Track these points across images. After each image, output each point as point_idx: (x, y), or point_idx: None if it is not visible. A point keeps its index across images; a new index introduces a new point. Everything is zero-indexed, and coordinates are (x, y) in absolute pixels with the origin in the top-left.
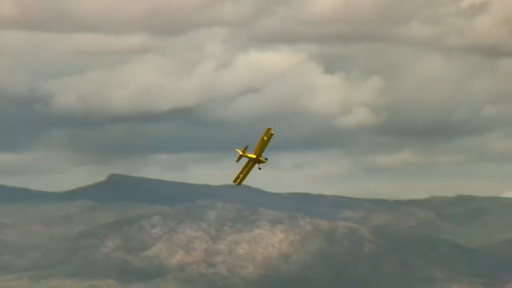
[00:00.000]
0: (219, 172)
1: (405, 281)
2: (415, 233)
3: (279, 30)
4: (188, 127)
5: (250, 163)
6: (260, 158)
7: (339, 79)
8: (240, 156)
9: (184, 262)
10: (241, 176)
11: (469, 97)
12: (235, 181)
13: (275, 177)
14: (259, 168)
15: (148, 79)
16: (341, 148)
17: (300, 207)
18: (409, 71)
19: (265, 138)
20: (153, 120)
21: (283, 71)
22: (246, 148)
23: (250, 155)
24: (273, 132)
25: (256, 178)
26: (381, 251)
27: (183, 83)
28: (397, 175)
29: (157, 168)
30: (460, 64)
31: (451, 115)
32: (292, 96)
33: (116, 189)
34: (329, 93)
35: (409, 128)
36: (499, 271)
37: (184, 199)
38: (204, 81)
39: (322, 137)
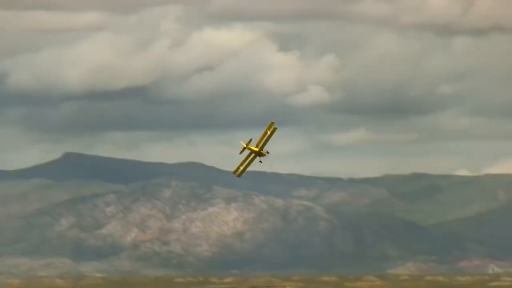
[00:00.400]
0: (173, 150)
1: (359, 259)
2: (369, 211)
3: (234, 8)
4: (143, 105)
5: (252, 156)
6: (262, 152)
7: (293, 57)
8: (244, 148)
9: (138, 240)
10: (241, 168)
11: (423, 76)
12: (235, 172)
13: (229, 155)
14: (260, 161)
15: (102, 57)
16: (295, 126)
17: (254, 186)
18: (363, 50)
19: (268, 132)
20: (108, 98)
21: (237, 49)
22: (250, 141)
23: (253, 148)
24: (276, 127)
25: (211, 157)
26: (335, 229)
27: (137, 61)
28: (352, 153)
29: (111, 147)
30: (415, 42)
31: (405, 93)
32: (247, 74)
33: (71, 168)
34: (283, 71)
35: (363, 107)
36: (452, 249)
37: (139, 177)
38: (158, 59)
39: (277, 115)
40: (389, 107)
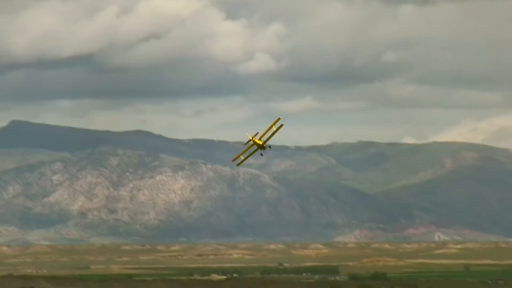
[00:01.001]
0: (120, 119)
1: (306, 227)
2: (316, 179)
3: None
4: (90, 73)
5: (255, 149)
6: (264, 146)
7: (240, 25)
8: (249, 141)
9: (85, 208)
10: (242, 158)
11: (370, 44)
12: (234, 160)
13: (176, 123)
14: (261, 154)
15: (49, 25)
16: (242, 94)
17: (201, 154)
18: (310, 18)
19: (275, 128)
20: (54, 66)
21: (184, 17)
22: (256, 134)
23: (257, 141)
24: (282, 124)
25: (157, 125)
26: (282, 197)
27: (84, 29)
28: (298, 121)
29: (58, 115)
30: (361, 10)
31: (352, 61)
32: (194, 42)
33: (17, 136)
34: (230, 40)
35: (310, 75)
36: (398, 216)
37: (86, 145)
38: (105, 27)
39: (224, 83)
40: (335, 75)
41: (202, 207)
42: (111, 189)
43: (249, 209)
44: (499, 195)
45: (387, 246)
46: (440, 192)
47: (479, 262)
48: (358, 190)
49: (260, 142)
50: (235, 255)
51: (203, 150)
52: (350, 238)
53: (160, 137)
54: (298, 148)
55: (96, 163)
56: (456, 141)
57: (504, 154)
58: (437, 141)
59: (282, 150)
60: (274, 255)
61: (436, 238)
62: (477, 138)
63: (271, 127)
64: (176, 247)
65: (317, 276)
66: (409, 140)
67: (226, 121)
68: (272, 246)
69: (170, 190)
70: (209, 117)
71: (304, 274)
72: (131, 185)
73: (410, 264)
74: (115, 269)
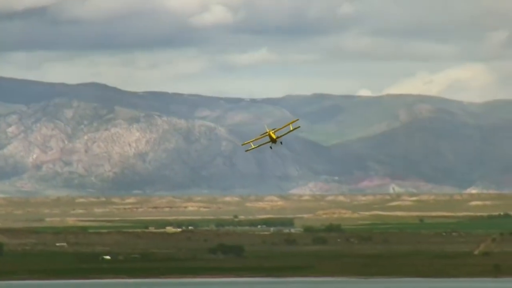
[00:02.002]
0: (75, 71)
1: (261, 179)
2: None
3: None
4: (44, 25)
5: (267, 140)
6: (276, 140)
7: None
8: (265, 133)
9: (40, 161)
10: (252, 145)
11: None
12: (244, 144)
13: (131, 75)
14: (270, 147)
15: None
16: (198, 46)
17: (156, 106)
18: None
19: (291, 128)
20: (8, 18)
21: None
22: (273, 129)
23: (272, 135)
24: (299, 125)
25: (112, 77)
26: (237, 150)
27: None
28: (254, 73)
29: (12, 67)
30: None
31: (307, 13)
32: None
33: None
34: None
35: (265, 27)
36: (353, 169)
37: (41, 98)
38: None
39: (179, 35)
40: (291, 28)
41: (157, 159)
42: (66, 142)
43: (204, 161)
44: (453, 147)
45: (341, 198)
46: (395, 144)
47: (433, 214)
48: (313, 142)
49: (274, 137)
50: (190, 208)
51: (158, 102)
52: (305, 190)
53: (115, 89)
54: (253, 101)
55: (51, 115)
56: (411, 94)
57: (459, 106)
58: (392, 93)
59: (237, 102)
60: (229, 207)
61: (391, 190)
62: (432, 90)
63: (288, 125)
64: (131, 200)
65: (272, 229)
66: (364, 92)
67: (181, 74)
68: (227, 199)
69: (125, 142)
70: (164, 69)
71: (259, 226)
72: (86, 137)
73: (364, 216)
74: (70, 221)
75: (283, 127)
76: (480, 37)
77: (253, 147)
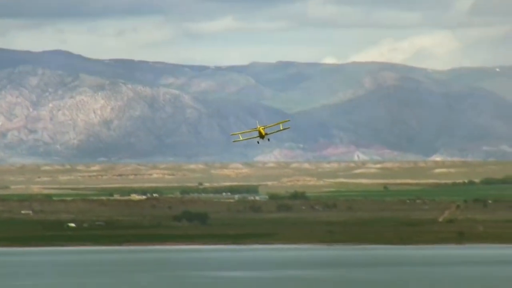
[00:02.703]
0: (40, 38)
1: (226, 147)
2: (236, 99)
3: None
4: None
5: (256, 135)
6: (264, 136)
7: None
8: (256, 128)
9: (5, 129)
10: (240, 137)
11: None
12: (233, 134)
13: (96, 43)
14: (258, 142)
15: None
16: (163, 14)
17: (121, 73)
18: None
19: (281, 127)
20: None
21: None
22: (264, 126)
23: (261, 131)
24: (289, 126)
25: (78, 45)
26: (202, 117)
27: None
28: (218, 41)
29: None
30: None
31: None
32: None
33: None
34: None
35: None
36: (318, 136)
37: (5, 65)
38: None
39: (145, 3)
40: None
41: (122, 127)
42: (30, 109)
43: (169, 129)
44: (418, 115)
45: (306, 165)
46: (360, 112)
47: (398, 181)
48: (277, 110)
49: (263, 133)
50: (155, 175)
51: (123, 70)
52: (269, 157)
53: (80, 57)
54: (218, 68)
55: (16, 82)
56: (376, 61)
57: (424, 74)
58: (357, 61)
59: (202, 70)
60: (194, 175)
61: (355, 158)
62: (397, 58)
63: (278, 123)
64: (96, 167)
65: (236, 196)
66: (329, 60)
67: (147, 41)
68: (192, 166)
69: (90, 110)
70: (130, 37)
71: (224, 194)
72: (51, 105)
73: (329, 184)
74: (35, 189)
75: (274, 125)
76: (445, 4)
77: (241, 139)
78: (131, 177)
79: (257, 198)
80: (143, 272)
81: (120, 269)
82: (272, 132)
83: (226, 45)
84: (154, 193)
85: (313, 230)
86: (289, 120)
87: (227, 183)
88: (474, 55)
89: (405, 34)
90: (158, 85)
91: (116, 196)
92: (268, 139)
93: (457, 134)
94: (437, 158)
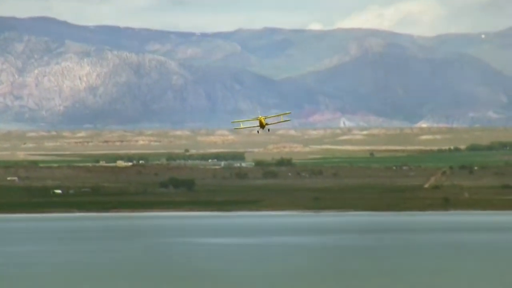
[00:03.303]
0: (25, 4)
1: (212, 113)
2: (222, 65)
3: None
4: None
5: (256, 125)
6: (264, 126)
7: None
8: (258, 118)
9: None
10: (241, 125)
11: None
12: (233, 122)
13: (82, 9)
14: (257, 132)
15: None
16: None
17: (107, 40)
18: None
19: (282, 119)
20: None
21: None
22: (266, 117)
23: (262, 121)
24: (290, 119)
25: (63, 11)
26: (188, 84)
27: None
28: (204, 8)
29: None
30: None
31: None
32: None
33: None
34: None
35: None
36: (304, 103)
37: None
38: None
39: None
40: None
41: (108, 93)
42: (16, 76)
43: (155, 95)
44: (404, 82)
45: (292, 132)
46: (346, 78)
47: (383, 148)
48: (263, 76)
49: (264, 123)
50: (141, 142)
51: (109, 36)
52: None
53: (65, 23)
54: (204, 35)
55: (1, 49)
56: (362, 28)
57: (409, 40)
58: (343, 27)
59: (188, 36)
60: (180, 141)
61: (341, 125)
62: (383, 24)
63: (280, 115)
64: (82, 134)
65: (223, 163)
66: (315, 26)
67: (133, 8)
68: (178, 133)
69: (75, 76)
70: (116, 4)
71: (210, 160)
72: (36, 71)
73: (315, 151)
74: (21, 155)
75: (275, 116)
76: None
77: (242, 127)
78: (117, 143)
79: (243, 165)
80: (129, 238)
81: (106, 236)
82: (272, 123)
83: (212, 12)
84: (140, 160)
85: (299, 196)
86: (290, 113)
87: (214, 150)
88: (460, 21)
89: (391, 0)
90: (144, 52)
91: (102, 163)
92: (268, 130)
93: (443, 100)
94: (423, 124)
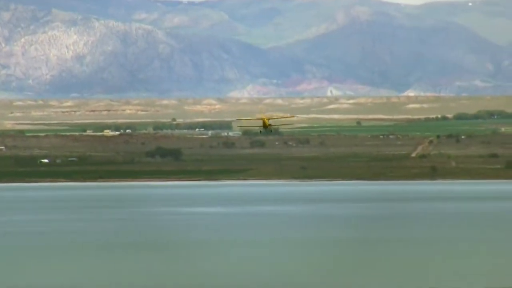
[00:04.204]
0: None
1: (199, 82)
2: (209, 34)
3: None
4: None
5: (259, 124)
6: (267, 127)
7: None
8: (262, 118)
9: None
10: (244, 122)
11: None
12: (238, 118)
13: None
14: (260, 132)
15: None
16: None
17: (94, 9)
18: None
19: (286, 120)
20: None
21: None
22: (269, 118)
23: (266, 121)
24: (293, 123)
25: None
26: (175, 53)
27: None
28: None
29: None
30: None
31: None
32: None
33: None
34: None
35: None
36: (291, 72)
37: None
38: None
39: None
40: None
41: (94, 62)
42: (3, 45)
43: (141, 64)
44: (391, 50)
45: (279, 101)
46: (333, 47)
47: (370, 117)
48: (250, 45)
49: (267, 124)
50: (128, 111)
51: (95, 5)
52: (243, 93)
53: None
54: (191, 3)
55: None
56: None
57: (396, 8)
58: None
59: (175, 5)
60: (167, 110)
61: (329, 93)
62: None
63: (284, 117)
64: (69, 103)
65: (210, 132)
66: None
67: None
68: (165, 102)
69: (62, 45)
70: None
71: (197, 129)
72: (23, 40)
73: (302, 119)
74: (8, 125)
75: (279, 117)
76: None
77: (243, 123)
78: (104, 112)
79: (230, 134)
80: (116, 208)
81: (93, 205)
82: (275, 124)
83: None
84: (127, 129)
85: (286, 165)
86: (294, 117)
87: (200, 119)
88: None
89: None
90: (130, 21)
91: (89, 132)
92: (271, 130)
93: (430, 69)
94: (410, 93)
